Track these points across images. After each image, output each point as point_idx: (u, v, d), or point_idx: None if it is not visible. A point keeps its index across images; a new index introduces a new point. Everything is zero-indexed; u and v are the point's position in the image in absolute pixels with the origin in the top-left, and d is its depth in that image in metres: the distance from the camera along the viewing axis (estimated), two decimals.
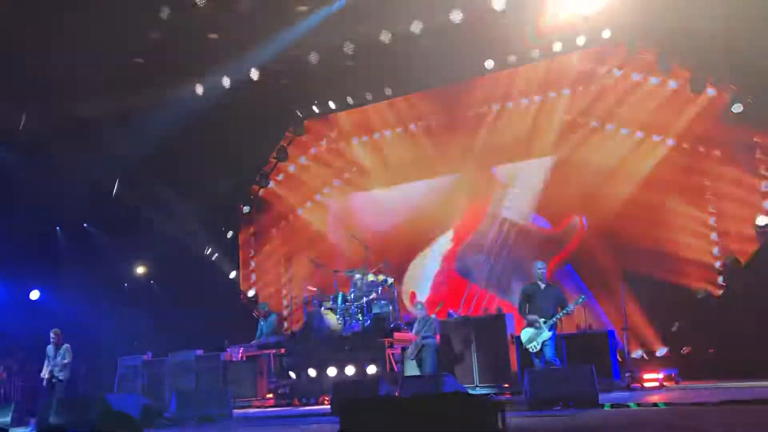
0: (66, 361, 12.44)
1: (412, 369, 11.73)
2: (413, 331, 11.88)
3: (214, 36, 13.65)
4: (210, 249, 17.88)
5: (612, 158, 14.39)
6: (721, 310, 12.75)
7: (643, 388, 10.71)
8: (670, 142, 13.94)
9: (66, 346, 12.53)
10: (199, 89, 14.64)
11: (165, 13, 12.81)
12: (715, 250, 13.40)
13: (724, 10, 11.63)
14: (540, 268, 10.34)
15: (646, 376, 11.03)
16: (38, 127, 14.73)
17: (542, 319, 9.93)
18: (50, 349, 12.52)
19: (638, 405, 7.95)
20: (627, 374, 11.00)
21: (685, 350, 12.94)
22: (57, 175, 15.37)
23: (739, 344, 11.88)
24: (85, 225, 17.33)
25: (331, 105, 16.98)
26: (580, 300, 10.04)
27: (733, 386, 9.99)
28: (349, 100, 16.74)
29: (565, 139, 14.88)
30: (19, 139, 14.95)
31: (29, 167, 15.26)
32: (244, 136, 16.38)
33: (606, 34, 13.72)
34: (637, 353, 13.20)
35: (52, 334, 12.56)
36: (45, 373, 12.44)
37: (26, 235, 15.85)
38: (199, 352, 13.59)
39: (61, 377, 12.38)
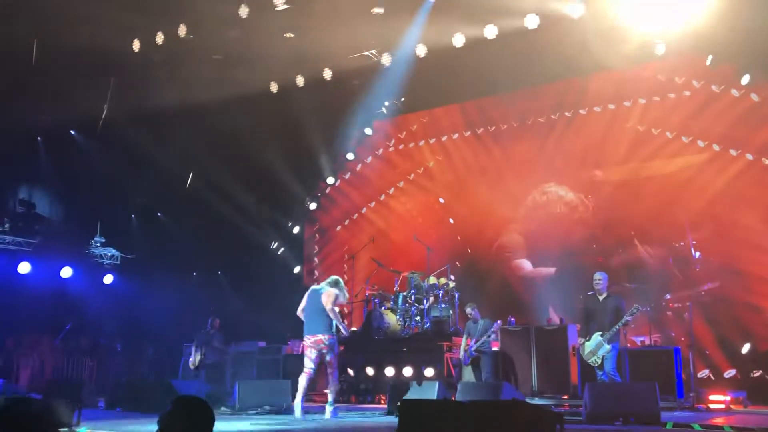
0: (216, 345, 13.17)
1: (468, 374, 11.69)
2: (465, 334, 11.75)
3: (289, 35, 13.90)
4: (276, 243, 18.19)
5: (686, 170, 14.03)
6: None
7: (708, 410, 10.38)
8: (748, 156, 13.50)
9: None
10: (274, 87, 14.97)
11: (244, 11, 13.15)
12: None
13: None
14: (598, 280, 10.16)
15: (712, 397, 10.71)
16: (117, 118, 15.33)
17: (598, 333, 9.81)
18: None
19: (702, 427, 7.73)
20: (691, 394, 10.68)
21: (755, 373, 12.48)
22: (134, 165, 15.99)
23: None
24: (158, 214, 17.92)
25: (401, 106, 17.06)
26: (635, 310, 9.75)
27: None
28: (419, 102, 16.77)
29: (637, 150, 14.58)
30: (98, 130, 15.63)
31: (107, 156, 15.91)
32: (315, 133, 16.61)
33: (686, 44, 13.32)
34: (703, 373, 12.80)
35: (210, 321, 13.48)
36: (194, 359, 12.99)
37: (102, 220, 16.56)
38: (262, 343, 13.88)
39: (208, 361, 12.99)
